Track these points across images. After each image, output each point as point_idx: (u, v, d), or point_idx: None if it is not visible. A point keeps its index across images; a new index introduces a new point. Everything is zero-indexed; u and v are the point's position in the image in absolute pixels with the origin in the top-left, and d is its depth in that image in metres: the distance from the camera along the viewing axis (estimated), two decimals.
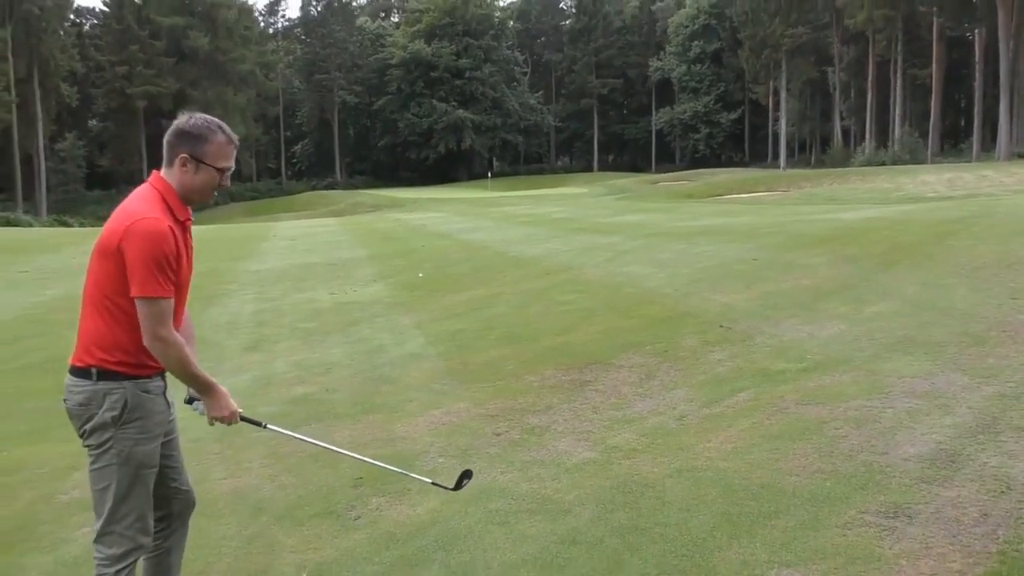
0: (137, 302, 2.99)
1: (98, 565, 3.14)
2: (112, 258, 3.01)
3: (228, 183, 3.23)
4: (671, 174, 71.60)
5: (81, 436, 3.16)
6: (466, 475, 3.88)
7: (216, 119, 3.18)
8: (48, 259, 21.92)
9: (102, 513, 3.13)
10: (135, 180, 77.94)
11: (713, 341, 7.82)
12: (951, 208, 18.15)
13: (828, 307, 8.77)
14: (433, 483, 4.03)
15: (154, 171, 3.22)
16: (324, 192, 74.18)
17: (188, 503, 3.50)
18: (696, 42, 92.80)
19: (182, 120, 3.14)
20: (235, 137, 3.20)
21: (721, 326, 8.34)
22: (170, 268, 3.02)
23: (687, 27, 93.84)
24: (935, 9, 59.82)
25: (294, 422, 6.44)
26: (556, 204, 40.08)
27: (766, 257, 12.35)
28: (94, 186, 79.27)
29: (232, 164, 3.22)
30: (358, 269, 16.59)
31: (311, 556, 4.17)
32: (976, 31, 62.45)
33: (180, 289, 3.15)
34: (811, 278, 10.39)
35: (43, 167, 67.32)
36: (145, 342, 3.03)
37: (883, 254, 11.60)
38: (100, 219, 62.97)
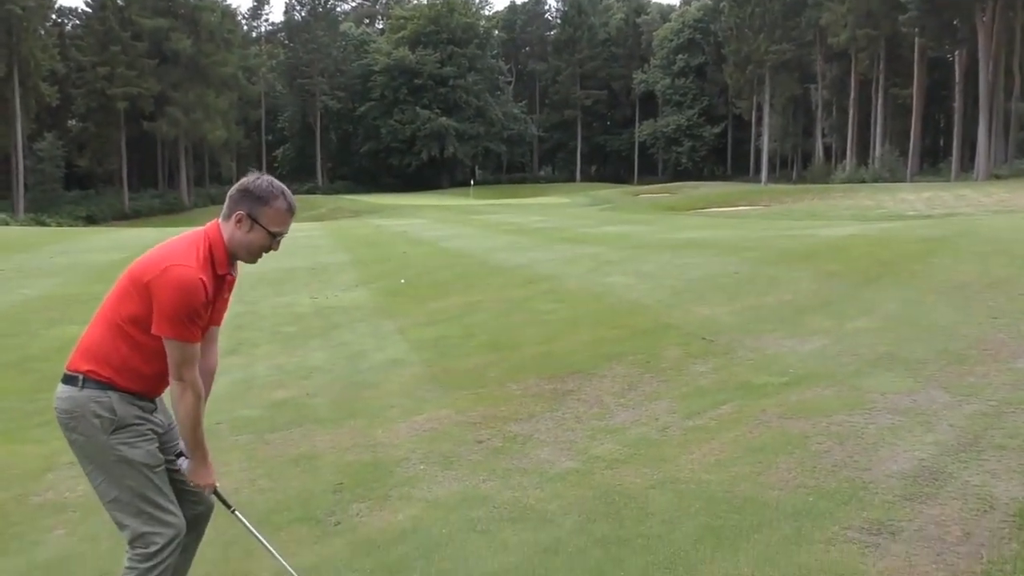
0: (165, 341, 3.01)
1: (129, 559, 3.09)
2: (139, 291, 3.02)
3: (278, 247, 3.25)
4: (653, 186, 71.78)
5: (73, 449, 3.12)
6: None
7: (282, 185, 3.19)
8: (25, 258, 21.70)
9: (124, 523, 3.10)
10: (114, 180, 77.74)
11: (696, 353, 7.82)
12: (931, 227, 18.28)
13: (810, 322, 8.79)
14: None
15: (216, 219, 3.21)
16: (305, 196, 73.76)
17: (205, 506, 3.46)
18: (680, 56, 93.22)
19: (249, 179, 3.17)
20: (295, 205, 3.22)
21: (704, 338, 8.35)
22: (199, 317, 3.03)
23: (672, 41, 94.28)
24: (917, 30, 60.41)
25: (274, 426, 6.39)
26: (538, 213, 40.11)
27: (748, 271, 12.38)
28: (72, 186, 78.50)
29: (286, 230, 3.22)
30: (339, 274, 16.51)
31: (289, 562, 4.11)
32: (957, 53, 63.07)
33: (203, 331, 3.17)
34: (793, 293, 10.42)
35: (21, 166, 66.58)
36: (170, 379, 3.07)
37: (865, 271, 11.65)
38: (77, 219, 62.50)
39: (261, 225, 3.12)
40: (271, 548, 3.52)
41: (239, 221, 3.12)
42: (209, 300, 3.06)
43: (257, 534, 3.49)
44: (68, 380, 3.09)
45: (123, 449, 3.05)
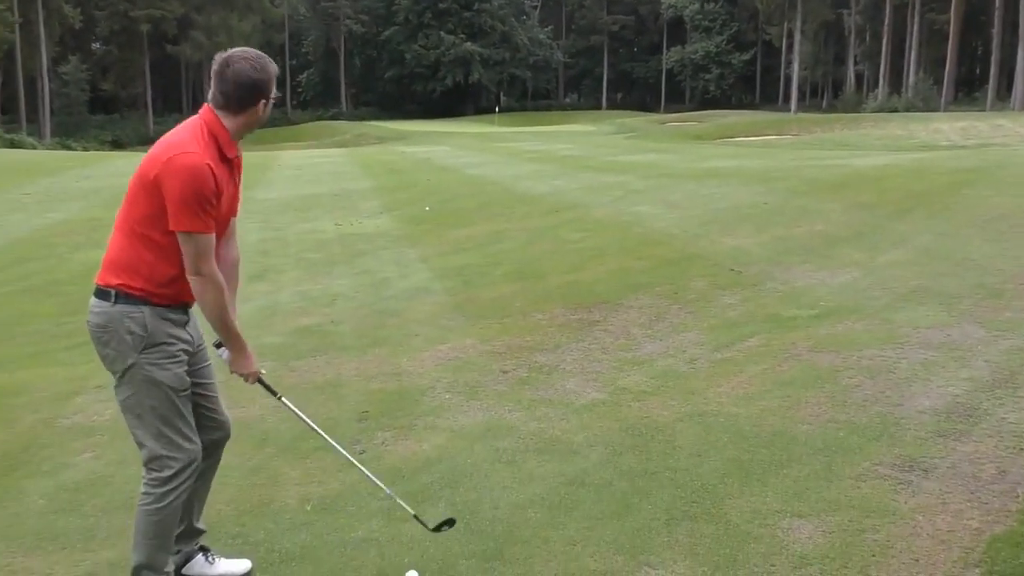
0: (179, 236, 2.94)
1: (145, 484, 3.10)
2: (148, 189, 2.94)
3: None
4: (680, 114, 70.69)
5: (104, 363, 3.10)
6: (448, 523, 3.53)
7: (255, 52, 3.08)
8: (51, 182, 21.76)
9: (143, 442, 3.09)
10: (138, 105, 77.65)
11: (723, 284, 7.72)
12: (966, 157, 17.90)
13: (841, 254, 8.65)
14: (414, 516, 3.58)
15: (205, 105, 3.09)
16: (329, 123, 73.48)
17: (224, 432, 3.46)
18: None
19: (244, 67, 3.00)
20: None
21: (732, 270, 8.24)
22: (209, 205, 2.94)
23: None
24: None
25: (299, 353, 6.39)
26: (564, 141, 39.68)
27: (778, 201, 12.18)
28: (97, 110, 78.47)
29: None
30: (363, 201, 16.43)
31: (315, 490, 4.12)
32: None
33: (220, 224, 3.09)
34: (824, 224, 10.25)
35: (47, 89, 66.51)
36: (187, 275, 3.00)
37: (897, 202, 11.43)
38: (103, 143, 62.60)
39: (270, 98, 3.09)
40: (320, 431, 3.54)
41: (265, 105, 3.08)
42: (219, 186, 2.98)
43: (308, 421, 3.51)
44: (101, 295, 3.05)
45: (151, 369, 3.03)
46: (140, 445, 3.11)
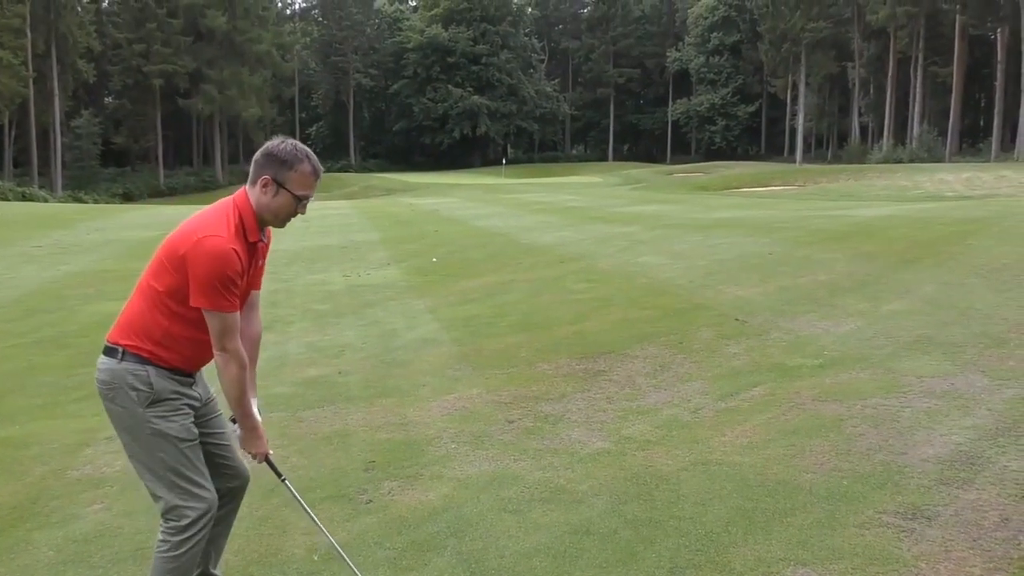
0: (204, 313, 3.03)
1: (163, 532, 3.14)
2: (174, 263, 3.03)
3: (305, 211, 3.23)
4: (686, 166, 71.26)
5: (111, 420, 3.17)
6: None
7: (306, 148, 3.17)
8: (63, 235, 21.98)
9: (158, 494, 3.14)
10: (149, 158, 78.51)
11: (728, 334, 7.77)
12: (971, 208, 18.00)
13: (845, 303, 8.70)
14: None
15: (243, 187, 3.20)
16: (338, 175, 74.12)
17: (241, 480, 3.50)
18: (715, 34, 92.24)
19: (273, 143, 3.14)
20: (320, 168, 3.19)
21: (737, 319, 8.29)
22: (234, 285, 3.03)
23: (707, 18, 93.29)
24: (958, 7, 59.27)
25: (307, 403, 6.43)
26: (570, 192, 39.98)
27: (782, 251, 12.26)
28: (109, 163, 79.31)
29: (312, 194, 3.20)
30: (371, 252, 16.56)
31: (322, 539, 4.13)
32: (999, 30, 61.83)
33: (240, 298, 3.16)
34: (828, 274, 10.31)
35: (59, 143, 67.35)
36: (213, 350, 3.09)
37: (901, 252, 11.50)
38: (114, 196, 63.19)
39: (287, 189, 3.11)
40: (317, 521, 3.55)
41: (265, 186, 3.11)
42: (243, 269, 3.07)
43: (305, 506, 3.54)
44: (108, 352, 3.13)
45: (158, 423, 3.09)
46: (155, 498, 3.16)
